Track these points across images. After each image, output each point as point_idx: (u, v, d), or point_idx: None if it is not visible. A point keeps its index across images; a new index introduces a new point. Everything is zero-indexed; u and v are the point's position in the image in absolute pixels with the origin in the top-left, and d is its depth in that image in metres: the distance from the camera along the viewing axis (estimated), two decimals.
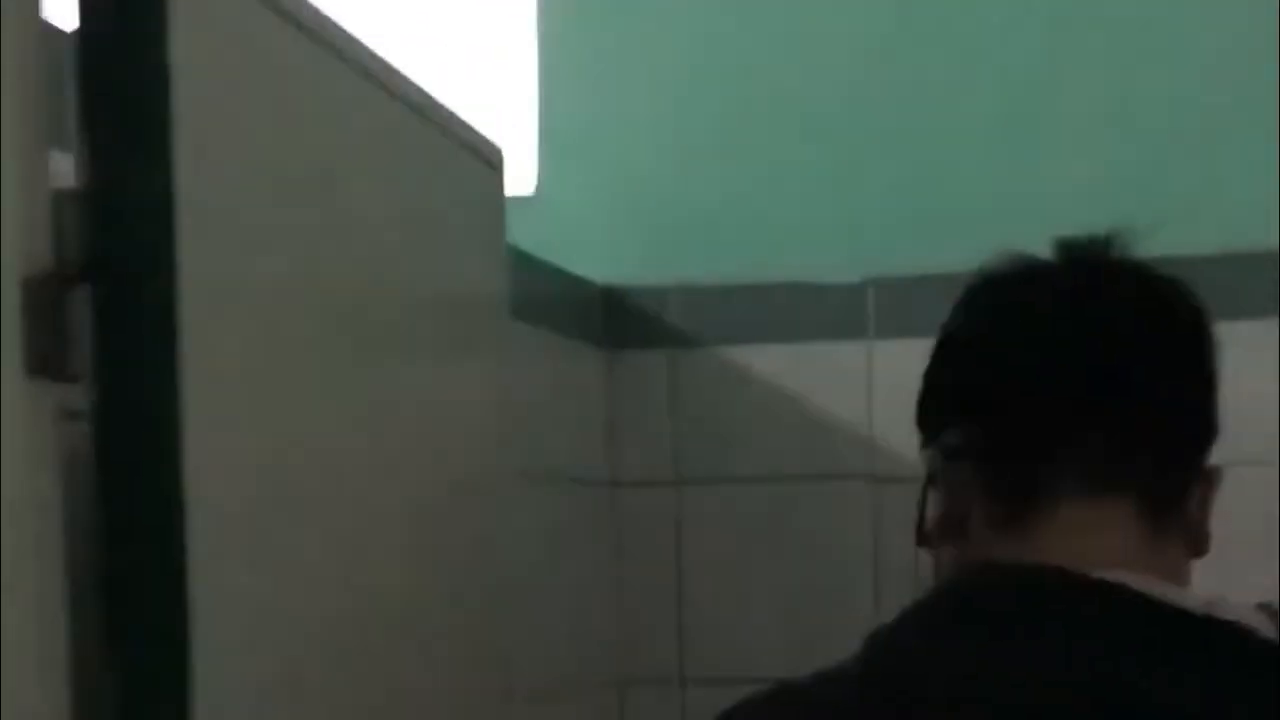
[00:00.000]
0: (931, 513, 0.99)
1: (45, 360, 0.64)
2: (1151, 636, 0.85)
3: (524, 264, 1.37)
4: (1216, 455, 0.96)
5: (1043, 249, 0.98)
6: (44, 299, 0.64)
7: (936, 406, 1.01)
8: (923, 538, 1.04)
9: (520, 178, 1.70)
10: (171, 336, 0.68)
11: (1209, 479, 0.96)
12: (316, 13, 0.87)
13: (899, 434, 1.65)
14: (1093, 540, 0.91)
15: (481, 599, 1.13)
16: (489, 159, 1.17)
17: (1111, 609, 0.86)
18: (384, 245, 0.96)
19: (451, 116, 1.09)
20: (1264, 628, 0.86)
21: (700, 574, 1.72)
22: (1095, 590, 0.87)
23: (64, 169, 0.67)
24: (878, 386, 1.68)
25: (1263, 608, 0.88)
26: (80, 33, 0.67)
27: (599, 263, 1.71)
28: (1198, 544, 0.96)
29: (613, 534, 1.72)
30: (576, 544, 1.59)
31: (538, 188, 1.76)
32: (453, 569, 1.07)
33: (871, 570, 1.67)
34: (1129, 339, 0.95)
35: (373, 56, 0.95)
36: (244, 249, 0.77)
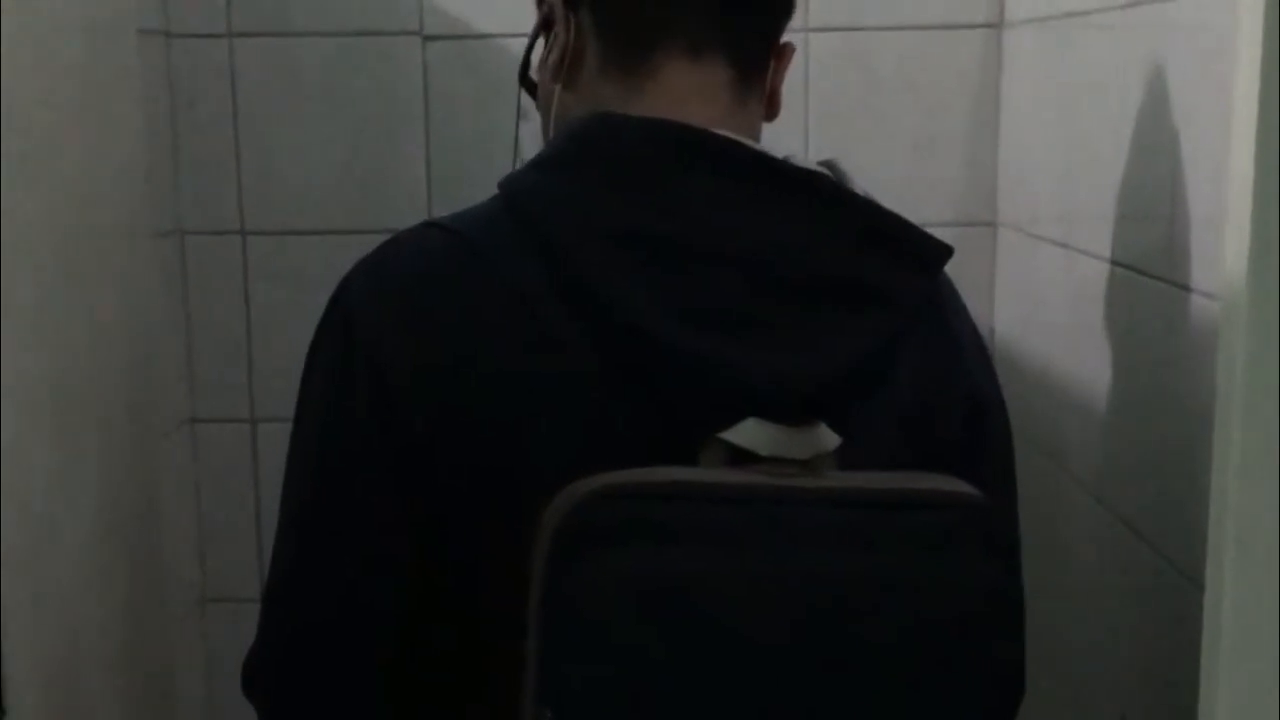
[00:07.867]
0: (550, 57, 1.06)
1: None
2: (765, 183, 0.96)
3: None
4: None
5: None
6: None
7: None
8: (526, 81, 1.11)
9: None
10: None
11: (784, 53, 1.08)
12: None
13: None
14: (695, 102, 1.01)
15: None
16: None
17: (729, 160, 0.97)
18: None
19: None
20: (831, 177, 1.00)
21: (257, 128, 1.75)
22: (717, 143, 0.97)
23: None
24: None
25: (825, 164, 1.01)
26: None
27: None
28: (772, 109, 1.09)
29: (165, 85, 1.72)
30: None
31: None
32: None
33: (423, 125, 1.75)
34: None
35: None
36: None
